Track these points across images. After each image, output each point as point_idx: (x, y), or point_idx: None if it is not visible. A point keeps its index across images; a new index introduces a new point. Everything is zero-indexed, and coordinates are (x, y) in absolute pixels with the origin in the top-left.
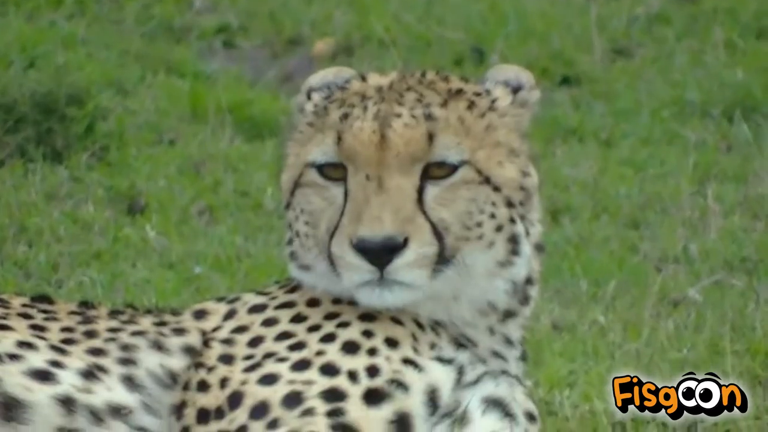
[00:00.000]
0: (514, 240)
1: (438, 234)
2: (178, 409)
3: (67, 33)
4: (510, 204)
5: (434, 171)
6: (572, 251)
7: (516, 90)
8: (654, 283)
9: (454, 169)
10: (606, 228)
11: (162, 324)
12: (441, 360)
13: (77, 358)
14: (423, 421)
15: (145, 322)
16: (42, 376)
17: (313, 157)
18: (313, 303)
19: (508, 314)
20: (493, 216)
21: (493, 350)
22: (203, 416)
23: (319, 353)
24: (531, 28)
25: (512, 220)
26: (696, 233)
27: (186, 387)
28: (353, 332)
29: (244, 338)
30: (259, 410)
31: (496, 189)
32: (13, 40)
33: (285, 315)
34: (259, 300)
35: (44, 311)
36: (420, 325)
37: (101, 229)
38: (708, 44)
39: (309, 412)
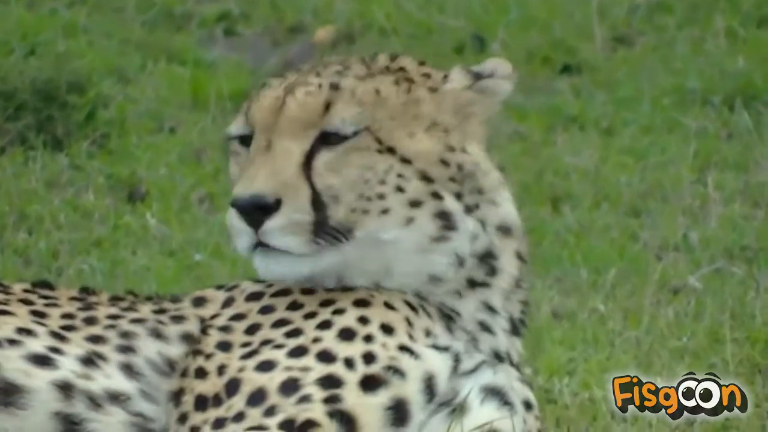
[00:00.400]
0: (444, 216)
1: (319, 203)
2: (176, 396)
3: (68, 21)
4: (427, 178)
5: (331, 139)
6: (573, 239)
7: (481, 77)
8: (654, 271)
9: (348, 138)
10: (606, 216)
11: (161, 311)
12: (437, 348)
13: (77, 345)
14: (420, 408)
15: (145, 310)
16: (41, 361)
17: (230, 129)
18: (308, 290)
19: (474, 283)
20: (400, 189)
21: (477, 319)
22: (201, 403)
23: (316, 340)
24: (532, 16)
25: (436, 196)
26: (696, 221)
27: (184, 374)
28: (349, 319)
29: (241, 326)
30: (257, 397)
31: (405, 161)
32: (13, 27)
33: (281, 303)
34: (257, 288)
35: (45, 297)
36: (412, 307)
37: (101, 217)
38: (709, 32)
39: (306, 398)
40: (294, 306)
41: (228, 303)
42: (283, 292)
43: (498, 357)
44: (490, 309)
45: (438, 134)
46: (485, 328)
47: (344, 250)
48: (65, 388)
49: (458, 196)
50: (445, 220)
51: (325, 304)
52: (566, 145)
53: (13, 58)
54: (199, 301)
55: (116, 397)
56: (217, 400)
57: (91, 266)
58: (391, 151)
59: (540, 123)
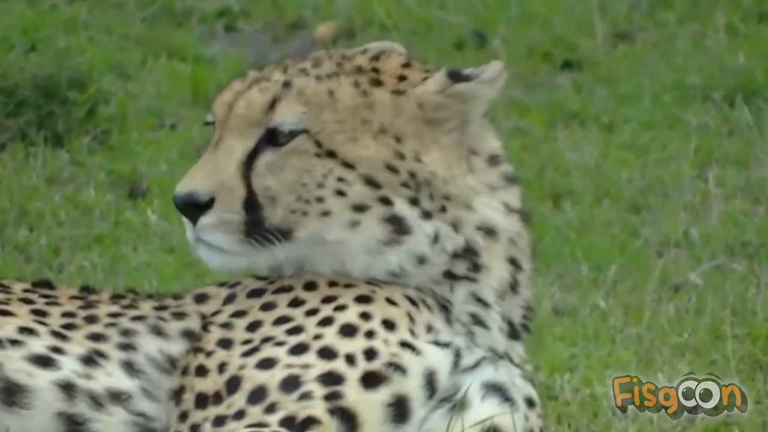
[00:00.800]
0: (395, 221)
1: (254, 203)
2: (177, 394)
3: (69, 17)
4: (373, 183)
5: (278, 138)
6: (573, 235)
7: (465, 80)
8: (655, 268)
9: (291, 137)
10: (607, 212)
11: (162, 308)
12: (438, 343)
13: (78, 344)
14: (421, 404)
15: (146, 307)
16: (43, 361)
17: (207, 116)
18: (310, 287)
19: (455, 276)
20: (340, 192)
21: (468, 311)
22: (201, 401)
23: (317, 337)
24: (533, 12)
25: (385, 201)
26: (697, 217)
27: (185, 372)
28: (350, 315)
29: (242, 323)
30: (257, 394)
31: (347, 165)
32: (14, 23)
33: (283, 299)
34: (258, 284)
35: (45, 296)
36: (413, 302)
37: (102, 213)
38: (710, 28)
39: (307, 395)
40: (295, 303)
41: (229, 300)
42: (285, 289)
43: (496, 355)
44: (481, 302)
45: (386, 140)
46: (478, 321)
47: (280, 251)
48: (67, 388)
49: (413, 202)
50: (396, 224)
51: (326, 300)
52: (567, 141)
53: (14, 55)
54: (201, 298)
55: (117, 396)
56: (217, 398)
57: (92, 263)
58: (331, 154)
59: (541, 119)
